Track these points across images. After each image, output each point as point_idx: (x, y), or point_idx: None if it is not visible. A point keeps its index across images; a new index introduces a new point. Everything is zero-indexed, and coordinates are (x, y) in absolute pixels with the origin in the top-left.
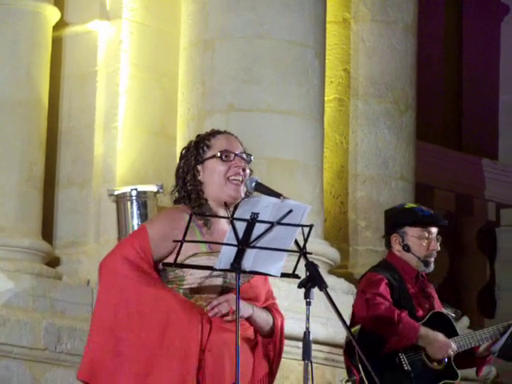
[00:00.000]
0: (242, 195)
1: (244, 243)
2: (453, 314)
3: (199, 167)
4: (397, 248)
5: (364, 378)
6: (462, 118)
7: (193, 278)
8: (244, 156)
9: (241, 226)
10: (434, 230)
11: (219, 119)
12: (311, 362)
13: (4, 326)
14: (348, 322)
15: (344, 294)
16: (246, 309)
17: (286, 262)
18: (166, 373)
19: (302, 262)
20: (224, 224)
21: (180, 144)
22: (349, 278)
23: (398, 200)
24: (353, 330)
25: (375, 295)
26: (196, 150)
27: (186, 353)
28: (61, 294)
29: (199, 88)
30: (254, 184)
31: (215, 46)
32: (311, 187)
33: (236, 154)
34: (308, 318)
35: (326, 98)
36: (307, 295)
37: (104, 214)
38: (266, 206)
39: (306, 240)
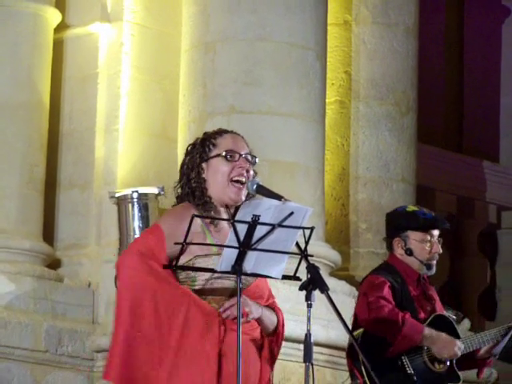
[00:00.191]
0: (243, 198)
1: (245, 245)
2: (454, 317)
3: (204, 165)
4: (399, 251)
5: (367, 381)
6: (463, 120)
7: (204, 278)
8: (249, 157)
9: (242, 228)
10: (436, 232)
11: (220, 121)
12: (312, 365)
13: (5, 328)
14: (350, 325)
15: (345, 296)
16: (257, 309)
17: (287, 265)
18: (189, 374)
19: (303, 265)
20: (227, 223)
21: (181, 146)
22: (350, 280)
23: (399, 202)
24: (356, 333)
25: (378, 298)
26: (202, 148)
27: (208, 355)
28: (62, 296)
29: (200, 90)
30: (255, 186)
31: (216, 48)
32: (312, 189)
33: (241, 155)
34: (309, 320)
35: (327, 100)
36: (308, 297)
37: (105, 216)
38: (267, 209)
39: (307, 242)
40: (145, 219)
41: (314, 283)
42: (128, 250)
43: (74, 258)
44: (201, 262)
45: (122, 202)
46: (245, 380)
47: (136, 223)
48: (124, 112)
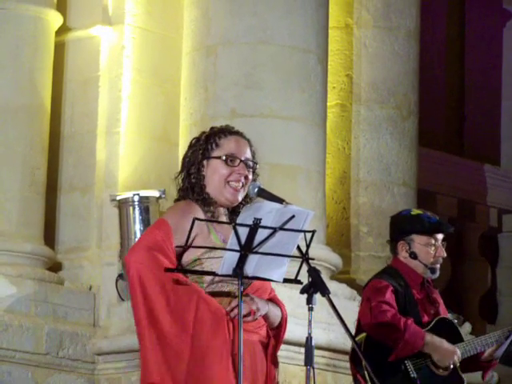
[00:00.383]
0: (240, 200)
1: (246, 249)
2: (455, 320)
3: (204, 162)
4: (403, 255)
5: None
6: (464, 123)
7: (210, 277)
8: (250, 164)
9: (243, 232)
10: (441, 236)
11: (222, 125)
12: (313, 368)
13: (6, 331)
14: (351, 329)
15: (346, 299)
16: (264, 305)
17: (289, 268)
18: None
19: (305, 268)
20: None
21: (182, 149)
22: (351, 283)
23: (400, 206)
24: (359, 337)
25: (381, 303)
26: (205, 145)
27: (221, 352)
28: (63, 299)
29: (202, 93)
30: (256, 189)
31: (218, 51)
32: (313, 193)
33: (241, 160)
34: (310, 324)
35: (328, 104)
36: (309, 301)
37: (106, 219)
38: (268, 212)
39: (308, 246)
40: (146, 222)
41: (315, 286)
42: (135, 246)
43: (75, 261)
44: (208, 260)
45: (123, 205)
46: (252, 378)
47: (137, 226)
48: (125, 115)
